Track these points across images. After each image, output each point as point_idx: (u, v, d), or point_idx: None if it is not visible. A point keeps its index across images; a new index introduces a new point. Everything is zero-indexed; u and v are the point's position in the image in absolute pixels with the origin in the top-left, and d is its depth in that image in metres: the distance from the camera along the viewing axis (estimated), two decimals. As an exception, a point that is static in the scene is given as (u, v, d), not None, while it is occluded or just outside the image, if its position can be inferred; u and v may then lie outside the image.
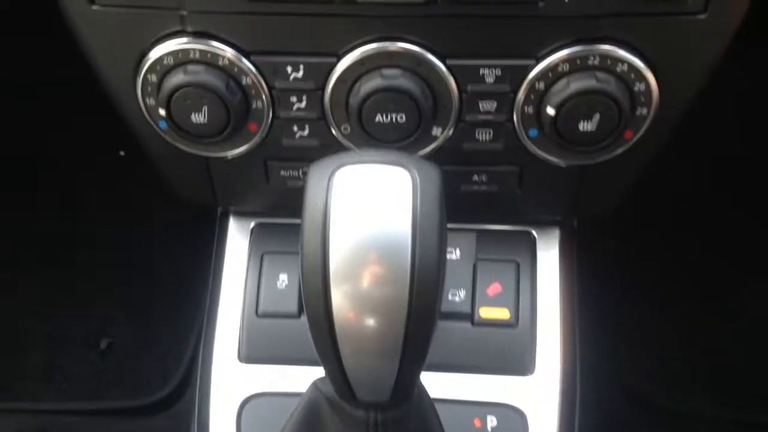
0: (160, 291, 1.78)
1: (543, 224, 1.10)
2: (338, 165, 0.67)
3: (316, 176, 0.67)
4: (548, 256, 1.07)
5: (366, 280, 0.64)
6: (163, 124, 0.94)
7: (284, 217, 1.11)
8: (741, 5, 0.86)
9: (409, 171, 0.66)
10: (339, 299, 0.65)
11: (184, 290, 1.70)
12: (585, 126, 0.90)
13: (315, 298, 0.65)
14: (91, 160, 1.84)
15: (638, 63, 0.88)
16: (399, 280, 0.64)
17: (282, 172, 1.04)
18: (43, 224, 1.83)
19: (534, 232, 1.10)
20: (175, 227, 1.74)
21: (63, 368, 1.70)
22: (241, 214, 1.13)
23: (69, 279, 1.79)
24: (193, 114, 0.92)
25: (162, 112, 0.92)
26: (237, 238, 1.12)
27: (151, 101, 0.94)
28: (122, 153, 1.81)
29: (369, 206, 0.64)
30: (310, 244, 0.64)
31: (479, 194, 1.03)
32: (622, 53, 0.87)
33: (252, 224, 1.12)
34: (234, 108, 0.92)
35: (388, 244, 0.63)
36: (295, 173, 1.04)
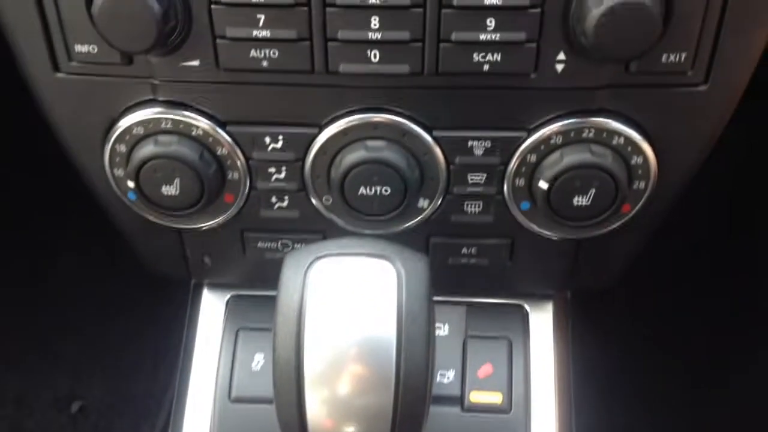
0: (133, 351, 1.71)
1: (535, 297, 1.05)
2: (315, 257, 0.62)
3: (290, 270, 0.62)
4: (542, 332, 1.02)
5: (346, 386, 0.59)
6: (131, 196, 0.89)
7: (261, 289, 1.05)
8: (744, 75, 0.83)
9: (394, 264, 0.61)
10: (315, 406, 0.59)
11: (159, 351, 1.63)
12: (580, 201, 0.86)
13: (287, 406, 0.59)
14: (63, 219, 1.79)
15: (635, 136, 0.84)
16: (383, 386, 0.58)
17: (260, 244, 0.99)
18: (15, 282, 1.76)
19: (526, 306, 1.05)
20: (151, 287, 1.68)
21: (32, 432, 1.63)
22: (216, 286, 1.07)
23: (40, 339, 1.72)
24: (164, 186, 0.87)
25: (131, 184, 0.87)
26: (211, 311, 1.06)
27: (119, 172, 0.89)
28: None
29: (349, 306, 0.59)
30: (283, 347, 0.59)
31: (469, 267, 0.99)
32: (618, 126, 0.84)
33: (227, 296, 1.06)
34: (208, 180, 0.87)
35: (371, 348, 0.58)
36: (274, 245, 0.99)
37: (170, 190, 0.87)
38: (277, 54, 0.79)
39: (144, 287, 1.71)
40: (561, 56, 0.79)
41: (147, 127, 0.85)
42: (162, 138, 0.85)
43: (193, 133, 0.86)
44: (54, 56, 0.82)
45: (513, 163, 0.87)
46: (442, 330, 1.01)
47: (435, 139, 0.86)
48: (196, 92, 0.84)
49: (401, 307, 0.59)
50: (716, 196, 1.68)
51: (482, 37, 0.77)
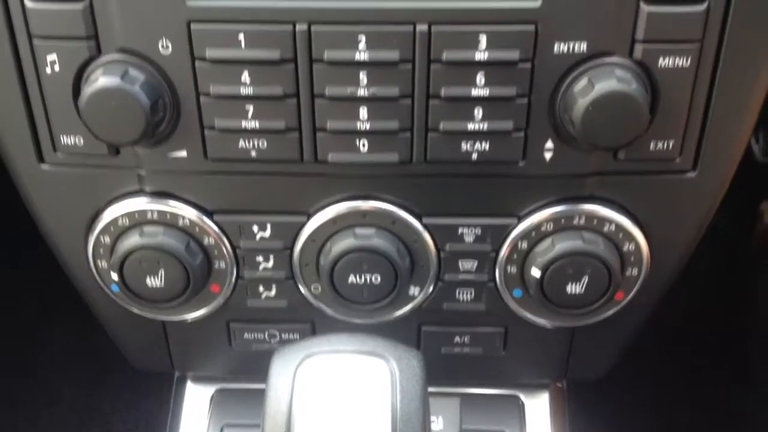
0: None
1: (531, 387, 1.04)
2: (305, 355, 0.61)
3: (278, 369, 0.61)
4: (538, 424, 1.01)
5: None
6: (114, 288, 0.89)
7: (248, 382, 1.03)
8: (732, 161, 0.85)
9: (387, 363, 0.60)
10: None
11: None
12: (573, 289, 0.86)
13: None
14: (49, 310, 1.76)
15: (626, 223, 0.85)
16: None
17: (246, 335, 0.97)
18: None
19: (522, 397, 1.03)
20: (133, 380, 1.64)
21: None
22: (200, 379, 1.05)
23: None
24: (148, 278, 0.86)
25: (114, 276, 0.86)
26: (195, 405, 1.04)
27: (102, 264, 0.88)
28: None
29: (341, 409, 0.57)
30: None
31: (462, 356, 0.98)
32: (608, 213, 0.85)
33: (212, 391, 1.04)
34: (194, 270, 0.86)
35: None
36: (261, 335, 0.98)
37: (155, 281, 0.86)
38: (265, 144, 0.80)
39: (126, 380, 1.68)
40: (549, 144, 0.80)
41: (132, 218, 0.86)
42: (147, 229, 0.85)
43: (180, 223, 0.86)
44: (39, 147, 0.83)
45: (504, 251, 0.87)
46: (436, 423, 1.00)
47: (425, 226, 0.87)
48: (183, 182, 0.85)
49: (395, 410, 0.58)
50: (710, 281, 1.69)
51: (470, 126, 0.78)
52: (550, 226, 0.85)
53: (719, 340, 1.70)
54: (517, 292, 0.90)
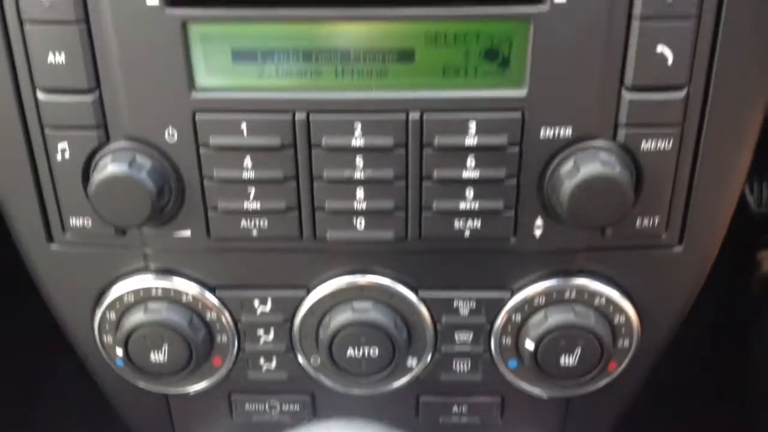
0: None
1: None
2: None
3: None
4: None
5: None
6: (119, 363, 0.91)
7: (249, 452, 1.05)
8: (718, 234, 0.88)
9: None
10: None
11: None
12: (566, 360, 0.88)
13: None
14: (52, 365, 1.78)
15: (616, 296, 0.88)
16: None
17: (247, 406, 1.00)
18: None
19: None
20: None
21: None
22: None
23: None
24: (152, 353, 0.89)
25: (119, 351, 0.89)
26: (197, 475, 1.05)
27: (108, 339, 0.91)
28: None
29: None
30: None
31: (460, 426, 0.99)
32: (599, 286, 0.87)
33: (213, 461, 1.06)
34: (197, 345, 0.89)
35: None
36: (261, 406, 1.00)
37: (158, 356, 0.89)
38: (266, 223, 0.84)
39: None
40: (539, 222, 0.84)
41: (138, 295, 0.89)
42: (152, 305, 0.88)
43: (183, 299, 0.89)
44: (48, 228, 0.86)
45: (499, 323, 0.90)
46: (435, 493, 1.01)
47: (421, 299, 0.90)
48: (187, 259, 0.88)
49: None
50: (708, 329, 1.70)
51: (462, 206, 0.82)
52: (542, 300, 0.88)
53: (718, 387, 1.70)
54: (513, 363, 0.93)
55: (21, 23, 0.74)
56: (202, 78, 0.77)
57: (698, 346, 1.70)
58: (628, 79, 0.75)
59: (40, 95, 0.78)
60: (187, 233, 0.85)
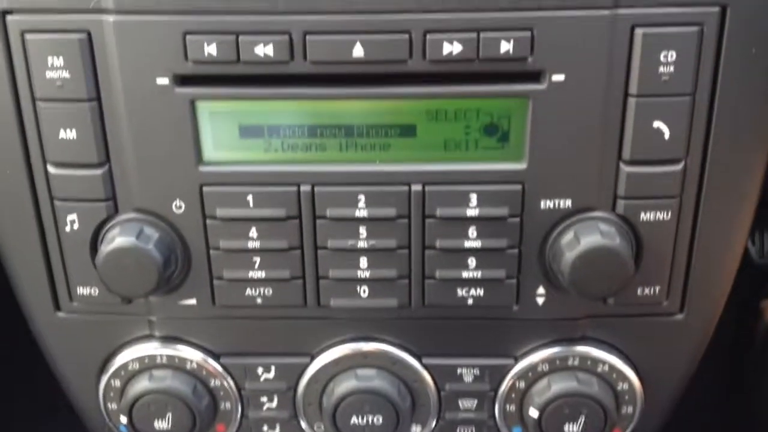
0: None
1: None
2: None
3: None
4: None
5: None
6: (123, 430, 0.92)
7: None
8: (719, 301, 0.89)
9: None
10: None
11: None
12: (570, 428, 0.89)
13: None
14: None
15: (619, 363, 0.88)
16: None
17: (251, 473, 1.00)
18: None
19: None
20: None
21: None
22: None
23: None
24: (156, 420, 0.89)
25: (123, 419, 0.90)
26: None
27: (112, 406, 0.92)
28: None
29: None
30: None
31: None
32: (601, 354, 0.88)
33: None
34: (200, 413, 0.90)
35: None
36: (265, 473, 1.00)
37: (162, 424, 0.90)
38: (271, 292, 0.85)
39: None
40: (541, 290, 0.85)
41: (143, 363, 0.90)
42: (157, 373, 0.89)
43: (188, 366, 0.90)
44: (56, 297, 0.88)
45: (503, 390, 0.91)
46: None
47: (425, 366, 0.90)
48: (191, 327, 0.89)
49: None
50: (714, 381, 1.69)
51: (465, 274, 0.83)
52: (546, 367, 0.89)
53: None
54: (517, 430, 0.93)
55: (33, 100, 0.77)
56: (210, 152, 0.79)
57: (705, 396, 1.69)
58: (626, 153, 0.77)
59: (51, 169, 0.80)
60: (192, 301, 0.87)
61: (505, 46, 0.73)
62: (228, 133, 0.79)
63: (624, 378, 0.89)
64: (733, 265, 0.88)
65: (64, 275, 0.86)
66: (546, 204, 0.80)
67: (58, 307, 0.89)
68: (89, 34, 0.74)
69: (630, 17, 0.72)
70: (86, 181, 0.80)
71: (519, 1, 0.72)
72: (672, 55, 0.74)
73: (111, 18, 0.73)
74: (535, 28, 0.72)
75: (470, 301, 0.85)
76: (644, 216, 0.80)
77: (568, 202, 0.80)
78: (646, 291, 0.85)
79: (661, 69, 0.74)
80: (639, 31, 0.73)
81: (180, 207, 0.81)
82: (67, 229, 0.83)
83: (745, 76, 0.75)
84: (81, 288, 0.86)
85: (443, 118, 0.78)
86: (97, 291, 0.86)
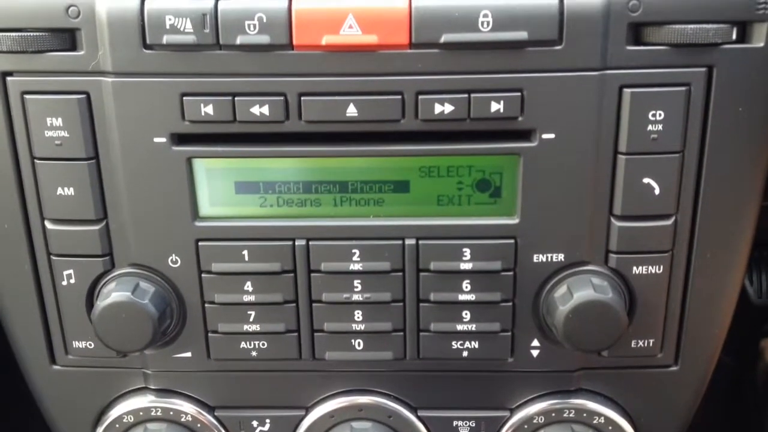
0: None
1: None
2: None
3: None
4: None
5: None
6: (117, 482, 0.93)
7: None
8: (713, 354, 0.90)
9: None
10: None
11: None
12: (567, 480, 0.90)
13: None
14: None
15: (614, 415, 0.90)
16: None
17: None
18: None
19: None
20: None
21: None
22: None
23: None
24: (150, 474, 0.91)
25: (118, 472, 0.91)
26: None
27: (107, 459, 0.93)
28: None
29: None
30: None
31: None
32: (597, 406, 0.90)
33: None
34: (194, 466, 0.91)
35: None
36: None
37: None
38: (266, 345, 0.87)
39: None
40: (535, 343, 0.87)
41: (137, 416, 0.91)
42: (151, 426, 0.91)
43: (182, 419, 0.91)
44: (52, 350, 0.90)
45: None
46: None
47: (420, 419, 0.92)
48: (186, 380, 0.91)
49: None
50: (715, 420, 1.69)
51: (459, 327, 0.85)
52: (541, 419, 0.90)
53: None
54: (514, 481, 0.94)
55: (32, 159, 0.80)
56: (206, 208, 0.82)
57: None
58: (617, 208, 0.80)
59: (49, 225, 0.82)
60: (187, 354, 0.88)
61: (496, 106, 0.75)
62: (224, 190, 0.81)
63: (620, 430, 0.90)
64: (727, 315, 0.89)
65: (60, 329, 0.88)
66: (539, 258, 0.82)
67: (53, 360, 0.90)
68: (88, 95, 0.77)
69: (618, 78, 0.75)
70: (83, 237, 0.82)
71: (509, 62, 0.74)
72: (660, 114, 0.76)
73: (110, 80, 0.76)
74: (525, 89, 0.75)
75: (465, 354, 0.87)
76: (636, 270, 0.82)
77: (561, 256, 0.82)
78: (640, 343, 0.87)
79: (650, 127, 0.76)
80: (627, 92, 0.75)
81: (176, 262, 0.83)
82: (64, 283, 0.85)
83: (732, 134, 0.78)
84: (77, 341, 0.88)
85: (436, 174, 0.81)
86: (92, 344, 0.88)
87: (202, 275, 0.84)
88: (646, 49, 0.75)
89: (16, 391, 0.96)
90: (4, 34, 0.75)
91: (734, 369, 1.60)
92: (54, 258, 0.84)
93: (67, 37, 0.76)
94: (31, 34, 0.75)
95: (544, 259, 0.82)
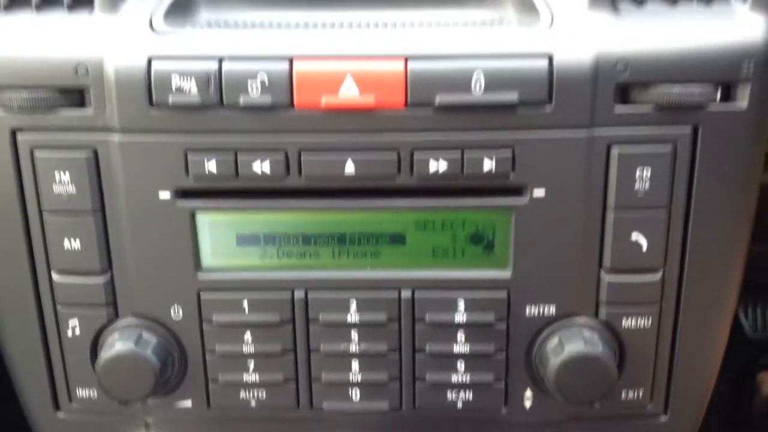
0: None
1: None
2: None
3: None
4: None
5: None
6: None
7: None
8: (702, 403, 0.92)
9: None
10: None
11: None
12: None
13: None
14: None
15: (607, 465, 0.91)
16: None
17: None
18: None
19: None
20: None
21: None
22: None
23: None
24: None
25: None
26: None
27: (106, 504, 0.94)
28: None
29: None
30: None
31: None
32: (589, 455, 0.91)
33: None
34: None
35: None
36: None
37: None
38: (264, 395, 0.89)
39: None
40: (528, 393, 0.89)
41: (137, 463, 0.93)
42: None
43: (182, 467, 0.93)
44: (56, 397, 0.92)
45: None
46: None
47: None
48: (187, 428, 0.93)
49: None
50: None
51: (454, 378, 0.87)
52: (537, 466, 0.92)
53: None
54: None
55: (40, 212, 0.83)
56: (208, 260, 0.84)
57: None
58: (606, 262, 0.82)
59: (55, 276, 0.85)
60: (188, 403, 0.90)
61: (488, 164, 0.78)
62: (226, 242, 0.84)
63: None
64: (716, 362, 0.91)
65: (65, 377, 0.90)
66: (531, 310, 0.85)
67: (57, 407, 0.92)
68: (95, 152, 0.80)
69: (606, 137, 0.78)
70: (88, 288, 0.85)
71: (500, 121, 0.78)
72: (647, 171, 0.79)
73: (116, 137, 0.79)
74: (516, 147, 0.78)
75: (460, 404, 0.89)
76: (626, 322, 0.85)
77: (552, 309, 0.84)
78: (630, 394, 0.88)
79: (638, 185, 0.79)
80: (615, 150, 0.79)
81: (178, 312, 0.86)
82: (69, 333, 0.87)
83: (718, 191, 0.81)
84: (80, 390, 0.90)
85: (431, 227, 0.83)
86: (96, 393, 0.90)
87: (204, 326, 0.86)
88: (633, 108, 0.78)
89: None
90: (14, 92, 0.78)
91: (729, 402, 1.60)
92: (60, 308, 0.86)
93: (75, 95, 0.79)
94: (41, 92, 0.78)
95: (536, 311, 0.85)
